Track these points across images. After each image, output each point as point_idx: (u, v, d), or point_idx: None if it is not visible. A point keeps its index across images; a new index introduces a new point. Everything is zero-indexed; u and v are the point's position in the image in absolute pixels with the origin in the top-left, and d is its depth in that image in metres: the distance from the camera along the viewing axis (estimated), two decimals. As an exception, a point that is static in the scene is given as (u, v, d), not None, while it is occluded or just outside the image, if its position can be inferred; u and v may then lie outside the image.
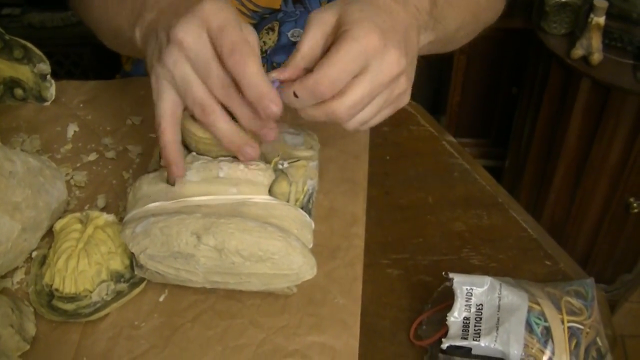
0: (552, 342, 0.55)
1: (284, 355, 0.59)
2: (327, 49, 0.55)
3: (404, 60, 0.56)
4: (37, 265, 0.66)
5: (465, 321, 0.57)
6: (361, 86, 0.54)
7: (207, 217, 0.58)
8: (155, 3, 0.63)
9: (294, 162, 0.65)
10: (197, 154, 0.63)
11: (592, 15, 1.39)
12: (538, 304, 0.57)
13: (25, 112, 0.85)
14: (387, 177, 0.77)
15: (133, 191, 0.64)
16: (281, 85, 0.55)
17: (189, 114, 0.59)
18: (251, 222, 0.58)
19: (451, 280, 0.58)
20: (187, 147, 0.64)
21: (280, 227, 0.59)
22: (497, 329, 0.55)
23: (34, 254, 0.67)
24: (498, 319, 0.56)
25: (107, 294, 0.62)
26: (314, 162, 0.67)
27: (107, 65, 1.61)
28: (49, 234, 0.68)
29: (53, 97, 0.85)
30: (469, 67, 1.90)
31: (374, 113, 0.58)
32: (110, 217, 0.66)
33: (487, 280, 0.58)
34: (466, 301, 0.57)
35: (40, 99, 0.85)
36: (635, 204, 1.56)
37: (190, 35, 0.55)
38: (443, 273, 0.59)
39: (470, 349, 0.55)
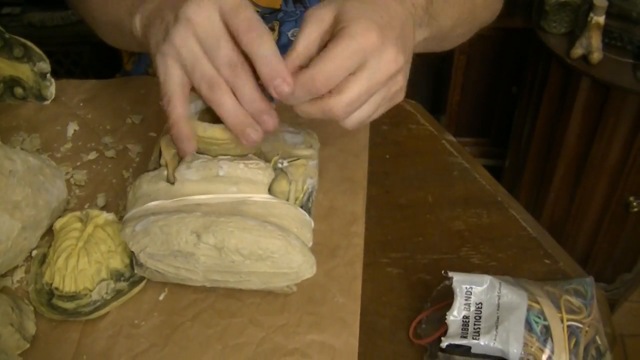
0: (552, 340, 0.55)
1: (284, 353, 0.59)
2: (324, 46, 0.54)
3: (402, 57, 0.56)
4: (37, 263, 0.66)
5: (464, 320, 0.57)
6: (359, 84, 0.54)
7: (206, 215, 0.58)
8: None
9: (294, 160, 0.65)
10: (197, 152, 0.63)
11: (591, 15, 1.39)
12: (537, 302, 0.57)
13: (25, 111, 0.85)
14: (386, 176, 0.77)
15: (133, 190, 0.64)
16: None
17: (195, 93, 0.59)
18: (251, 221, 0.58)
19: (451, 279, 0.58)
20: (187, 146, 0.64)
21: (280, 225, 0.60)
22: (497, 328, 0.55)
23: (34, 252, 0.67)
24: (497, 318, 0.56)
25: (107, 293, 0.62)
26: (314, 161, 0.67)
27: (107, 65, 1.62)
28: (49, 232, 0.68)
29: (53, 96, 0.85)
30: (469, 67, 1.90)
31: (372, 111, 0.57)
32: (110, 216, 0.66)
33: (487, 279, 0.58)
34: (465, 300, 0.57)
35: (40, 97, 0.85)
36: (635, 203, 1.57)
37: (200, 13, 0.55)
38: (442, 272, 0.59)
39: (469, 348, 0.55)
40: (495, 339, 0.55)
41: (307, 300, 0.63)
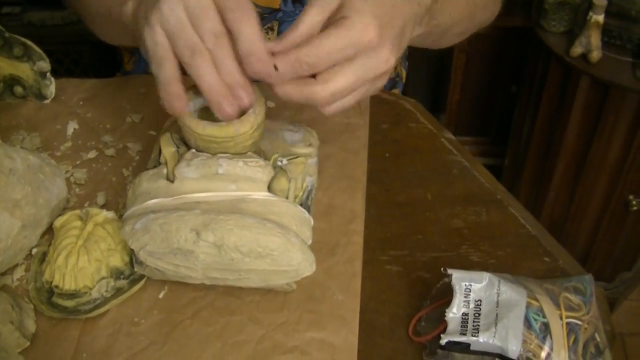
0: (551, 337, 0.55)
1: (283, 351, 0.59)
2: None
3: (393, 59, 0.56)
4: (37, 262, 0.66)
5: (464, 317, 0.57)
6: (346, 76, 0.54)
7: (206, 213, 0.58)
8: None
9: (293, 158, 0.65)
10: (197, 150, 0.63)
11: (591, 13, 1.39)
12: (536, 300, 0.57)
13: (25, 109, 0.85)
14: (386, 174, 0.78)
15: (132, 188, 0.64)
16: None
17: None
18: (250, 219, 0.58)
19: (450, 276, 0.58)
20: (186, 144, 0.65)
21: (280, 223, 0.60)
22: (496, 325, 0.55)
23: (34, 251, 0.68)
24: (497, 315, 0.56)
25: (106, 291, 0.63)
26: (313, 159, 0.67)
27: (107, 64, 1.62)
28: (49, 231, 0.68)
29: (53, 95, 0.85)
30: (469, 66, 1.90)
31: (353, 102, 0.58)
32: (110, 214, 0.66)
33: (486, 276, 0.58)
34: (465, 297, 0.57)
35: (40, 96, 0.85)
36: (634, 202, 1.57)
37: None
38: (442, 269, 0.59)
39: (469, 345, 0.55)
40: (494, 336, 0.55)
41: (306, 298, 0.63)
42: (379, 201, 0.74)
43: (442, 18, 0.69)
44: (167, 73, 0.57)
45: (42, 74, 0.84)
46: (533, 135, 1.67)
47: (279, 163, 0.65)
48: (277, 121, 0.70)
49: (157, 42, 0.57)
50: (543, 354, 0.54)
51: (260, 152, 0.65)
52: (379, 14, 0.54)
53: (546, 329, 0.56)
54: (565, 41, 1.50)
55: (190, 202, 0.60)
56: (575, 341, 0.56)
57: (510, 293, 0.57)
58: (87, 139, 0.81)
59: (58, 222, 0.66)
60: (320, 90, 0.54)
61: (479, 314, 0.56)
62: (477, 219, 0.72)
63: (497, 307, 0.57)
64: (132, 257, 0.63)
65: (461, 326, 0.56)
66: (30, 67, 0.83)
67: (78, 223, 0.65)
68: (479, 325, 0.56)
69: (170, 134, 0.66)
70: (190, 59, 0.56)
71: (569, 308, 0.57)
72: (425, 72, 2.01)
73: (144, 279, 0.64)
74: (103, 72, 1.49)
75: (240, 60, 0.55)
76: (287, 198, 0.62)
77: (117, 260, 0.63)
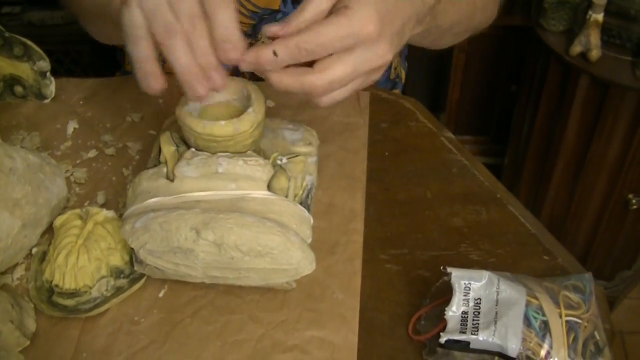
0: (550, 336, 0.55)
1: (283, 350, 0.59)
2: None
3: (390, 54, 0.56)
4: (37, 261, 0.66)
5: (463, 315, 0.57)
6: (343, 66, 0.54)
7: (206, 212, 0.58)
8: None
9: (293, 157, 0.65)
10: (197, 149, 0.63)
11: (590, 12, 1.39)
12: (536, 298, 0.57)
13: (25, 109, 0.85)
14: (386, 173, 0.78)
15: (132, 187, 0.64)
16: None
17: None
18: (250, 217, 0.58)
19: (449, 274, 0.58)
20: (186, 143, 0.65)
21: (279, 222, 0.60)
22: (495, 323, 0.55)
23: (34, 250, 0.68)
24: (496, 313, 0.56)
25: (106, 290, 0.63)
26: (313, 158, 0.67)
27: (107, 64, 1.62)
28: (49, 230, 0.68)
29: (53, 95, 0.85)
30: (468, 65, 1.90)
31: (347, 93, 0.58)
32: (110, 213, 0.66)
33: (485, 274, 0.58)
34: (464, 295, 0.58)
35: (40, 96, 0.85)
36: (634, 201, 1.57)
37: None
38: (441, 268, 0.59)
39: (468, 343, 0.56)
40: (494, 335, 0.55)
41: (306, 297, 0.63)
42: (379, 200, 0.74)
43: (443, 18, 0.69)
44: (142, 52, 0.58)
45: (42, 74, 0.84)
46: (533, 134, 1.67)
47: (279, 162, 0.65)
48: (276, 120, 0.70)
49: (134, 21, 0.57)
50: (542, 352, 0.54)
51: (259, 151, 0.65)
52: (381, 9, 0.54)
53: (546, 327, 0.56)
54: (564, 40, 1.50)
55: (190, 200, 0.60)
56: (575, 339, 0.56)
57: (510, 291, 0.57)
58: (87, 138, 0.81)
59: (58, 221, 0.66)
60: (317, 79, 0.54)
61: (479, 313, 0.57)
62: (476, 217, 0.72)
63: (496, 305, 0.57)
64: (132, 256, 0.63)
65: (461, 324, 0.56)
66: (30, 67, 0.83)
67: (78, 222, 0.65)
68: (478, 324, 0.56)
69: (170, 133, 0.66)
70: (165, 39, 0.56)
71: (569, 306, 0.58)
72: (425, 71, 2.01)
73: (144, 278, 0.64)
74: (103, 71, 1.49)
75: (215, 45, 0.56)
76: (286, 197, 0.63)
77: (117, 259, 0.64)
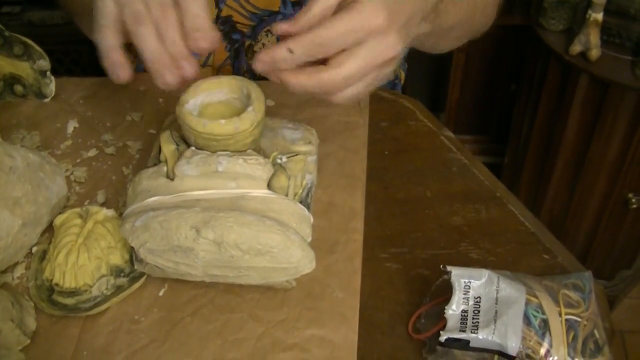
0: (550, 334, 0.55)
1: (283, 348, 0.59)
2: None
3: (401, 46, 0.56)
4: (37, 260, 0.66)
5: (463, 314, 0.57)
6: (357, 60, 0.54)
7: (206, 211, 0.58)
8: None
9: (293, 156, 0.65)
10: (197, 148, 0.63)
11: (590, 12, 1.39)
12: (536, 296, 0.57)
13: (25, 108, 0.85)
14: (385, 171, 0.78)
15: (132, 186, 0.64)
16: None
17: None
18: (250, 216, 0.58)
19: (449, 273, 0.58)
20: (186, 142, 0.65)
21: (279, 220, 0.60)
22: (495, 322, 0.56)
23: (34, 249, 0.68)
24: (496, 312, 0.56)
25: (107, 289, 0.63)
26: (313, 157, 0.67)
27: (106, 63, 1.62)
28: (49, 229, 0.68)
29: (53, 94, 0.85)
30: (468, 64, 1.90)
31: (363, 89, 0.58)
32: (110, 212, 0.66)
33: (485, 273, 0.58)
34: (464, 294, 0.58)
35: (40, 95, 0.85)
36: (634, 200, 1.57)
37: None
38: (441, 266, 0.59)
39: (468, 342, 0.56)
40: (493, 333, 0.55)
41: (306, 296, 0.63)
42: (379, 199, 0.74)
43: (445, 18, 0.69)
44: (107, 41, 0.59)
45: (42, 73, 0.84)
46: (532, 133, 1.67)
47: (279, 161, 0.65)
48: (276, 119, 0.70)
49: (103, 9, 0.58)
50: (542, 351, 0.55)
51: (259, 150, 0.65)
52: (389, 2, 0.55)
53: (545, 325, 0.56)
54: (564, 39, 1.50)
55: (190, 199, 0.61)
56: (575, 338, 0.56)
57: (510, 290, 0.57)
58: (87, 138, 0.81)
59: (58, 220, 0.66)
60: (334, 75, 0.55)
61: (479, 311, 0.57)
62: (476, 216, 0.73)
63: (496, 304, 0.57)
64: (132, 255, 0.63)
65: (460, 323, 0.56)
66: (30, 66, 0.83)
67: (78, 221, 0.65)
68: (478, 322, 0.56)
69: (170, 131, 0.66)
70: (134, 26, 0.57)
71: (568, 305, 0.58)
72: (424, 71, 2.01)
73: (144, 277, 0.64)
74: (103, 71, 1.49)
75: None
76: (286, 195, 0.63)
77: (117, 258, 0.64)
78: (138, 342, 0.60)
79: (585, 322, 0.57)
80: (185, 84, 0.60)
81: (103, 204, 0.72)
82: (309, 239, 0.62)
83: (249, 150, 0.63)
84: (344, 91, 0.57)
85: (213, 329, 0.61)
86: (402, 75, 1.09)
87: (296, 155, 0.66)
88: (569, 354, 0.55)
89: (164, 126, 0.72)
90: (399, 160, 0.79)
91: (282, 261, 0.59)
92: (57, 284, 0.62)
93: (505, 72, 1.90)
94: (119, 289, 0.63)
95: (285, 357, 0.58)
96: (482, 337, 0.55)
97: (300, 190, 0.64)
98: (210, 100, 0.64)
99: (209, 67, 0.94)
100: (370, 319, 0.63)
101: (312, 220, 0.63)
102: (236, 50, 0.93)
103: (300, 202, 0.63)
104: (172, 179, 0.62)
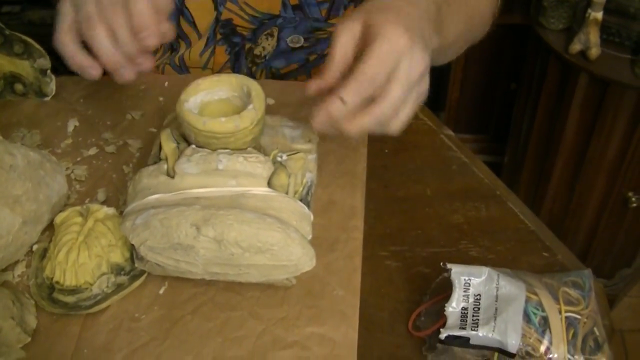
0: (550, 331, 0.55)
1: (283, 346, 0.59)
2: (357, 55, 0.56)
3: (427, 58, 0.58)
4: (37, 258, 0.66)
5: (463, 311, 0.57)
6: (398, 83, 0.56)
7: (206, 208, 0.58)
8: None
9: (293, 154, 0.65)
10: (197, 146, 0.63)
11: (589, 10, 1.39)
12: (536, 294, 0.58)
13: (26, 107, 0.85)
14: (385, 170, 0.78)
15: (133, 184, 0.64)
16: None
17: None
18: (250, 214, 0.58)
19: (449, 271, 0.58)
20: (186, 140, 0.65)
21: (279, 218, 0.60)
22: (495, 319, 0.56)
23: (35, 247, 0.68)
24: (496, 309, 0.56)
25: (107, 287, 0.63)
26: (313, 155, 0.67)
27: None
28: (50, 227, 0.69)
29: (53, 92, 0.86)
30: (468, 64, 1.90)
31: (411, 110, 0.59)
32: (110, 210, 0.66)
33: (485, 270, 0.58)
34: (464, 291, 0.58)
35: (41, 94, 0.85)
36: (633, 199, 1.57)
37: None
38: (441, 264, 0.59)
39: (468, 339, 0.56)
40: (493, 330, 0.55)
41: (306, 293, 0.63)
42: (379, 197, 0.74)
43: (447, 30, 0.69)
44: (66, 48, 0.63)
45: (43, 72, 0.84)
46: (532, 132, 1.67)
47: (279, 159, 0.65)
48: (276, 117, 0.71)
49: (63, 16, 0.61)
50: (542, 348, 0.55)
51: (260, 148, 0.65)
52: (401, 22, 0.56)
53: (545, 323, 0.56)
54: (564, 38, 1.50)
55: (190, 197, 0.61)
56: (574, 335, 0.56)
57: (510, 287, 0.57)
58: (88, 136, 0.81)
59: (59, 219, 0.66)
60: (385, 105, 0.56)
61: (478, 309, 0.57)
62: (476, 214, 0.73)
63: (496, 301, 0.57)
64: (133, 253, 0.63)
65: (460, 320, 0.56)
66: (31, 65, 0.83)
67: (78, 219, 0.65)
68: (478, 320, 0.56)
69: (171, 130, 0.66)
70: (87, 29, 0.60)
71: (568, 302, 0.58)
72: (424, 70, 2.01)
73: (145, 275, 0.64)
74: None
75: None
76: (286, 193, 0.63)
77: (118, 256, 0.64)
78: (138, 340, 0.60)
79: (585, 320, 0.57)
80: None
81: (103, 202, 0.72)
82: (309, 237, 0.62)
83: (249, 149, 0.63)
84: (398, 117, 0.58)
85: (213, 327, 0.61)
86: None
87: (296, 153, 0.66)
88: (568, 352, 0.55)
89: (165, 124, 0.72)
90: (399, 159, 0.79)
91: (282, 259, 0.59)
92: (57, 282, 0.62)
93: (505, 71, 1.90)
94: (119, 287, 0.63)
95: (285, 354, 0.58)
96: (482, 334, 0.55)
97: (301, 188, 0.64)
98: (210, 99, 0.65)
99: (209, 69, 0.94)
100: (370, 317, 0.63)
101: (312, 218, 0.63)
102: (236, 54, 0.93)
103: (301, 200, 0.63)
104: (173, 177, 0.62)
